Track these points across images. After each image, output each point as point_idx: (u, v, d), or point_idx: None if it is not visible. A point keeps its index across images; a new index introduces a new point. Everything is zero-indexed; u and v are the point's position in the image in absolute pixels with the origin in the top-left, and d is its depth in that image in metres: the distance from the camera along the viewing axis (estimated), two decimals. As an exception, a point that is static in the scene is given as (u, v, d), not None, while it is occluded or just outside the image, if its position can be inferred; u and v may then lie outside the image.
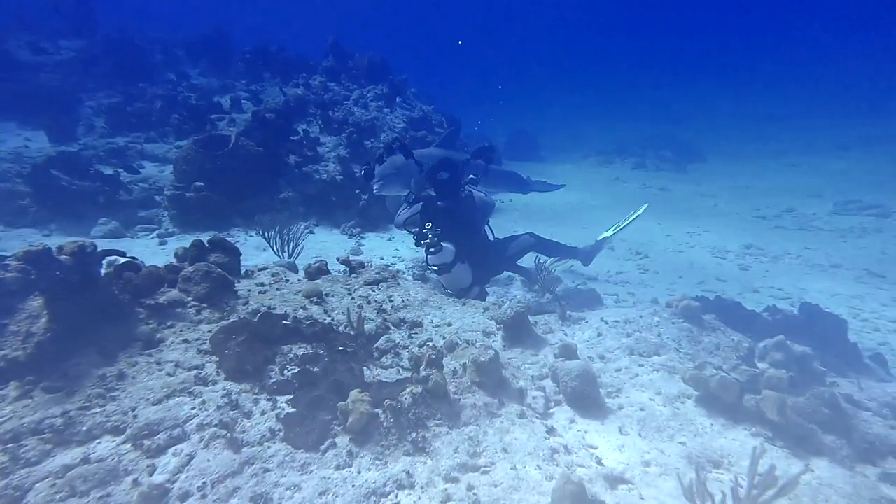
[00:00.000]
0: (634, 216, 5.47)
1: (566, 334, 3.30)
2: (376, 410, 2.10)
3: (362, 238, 7.13)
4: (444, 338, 3.06)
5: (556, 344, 3.07)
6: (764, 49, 49.24)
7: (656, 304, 4.00)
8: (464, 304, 3.55)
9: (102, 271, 2.53)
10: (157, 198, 7.18)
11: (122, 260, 2.63)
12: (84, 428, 1.78)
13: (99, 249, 2.91)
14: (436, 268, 3.80)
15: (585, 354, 2.97)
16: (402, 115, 10.92)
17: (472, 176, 4.45)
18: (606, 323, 3.34)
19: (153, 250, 5.87)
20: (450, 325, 3.27)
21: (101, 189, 6.60)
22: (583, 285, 5.12)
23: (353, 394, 2.11)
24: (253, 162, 7.58)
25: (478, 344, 2.97)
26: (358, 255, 6.48)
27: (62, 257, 2.09)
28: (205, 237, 6.34)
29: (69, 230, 6.01)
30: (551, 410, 2.45)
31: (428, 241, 3.72)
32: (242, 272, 3.86)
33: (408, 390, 2.21)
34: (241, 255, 3.75)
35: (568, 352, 2.82)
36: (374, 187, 5.00)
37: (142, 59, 12.84)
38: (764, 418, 2.33)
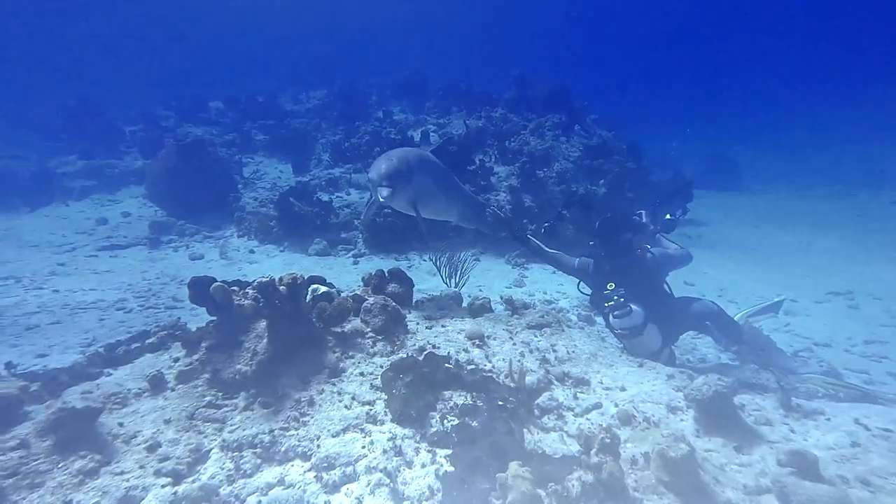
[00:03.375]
0: (763, 309, 4.13)
1: (794, 431, 2.47)
2: (538, 491, 1.89)
3: (526, 269, 7.00)
4: (616, 405, 2.65)
5: (777, 443, 2.32)
6: None
7: None
8: (640, 366, 3.04)
9: (307, 298, 2.98)
10: (356, 222, 8.45)
11: (322, 289, 3.07)
12: (282, 448, 2.08)
13: (307, 276, 3.47)
14: (623, 332, 3.41)
15: (833, 472, 2.14)
16: (580, 143, 10.51)
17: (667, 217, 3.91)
18: (866, 428, 2.39)
19: (348, 268, 6.87)
20: (623, 389, 2.82)
21: (318, 213, 8.11)
22: (807, 353, 3.88)
23: (513, 467, 1.94)
24: (432, 190, 8.27)
25: (662, 424, 2.46)
26: (521, 286, 6.37)
27: (281, 287, 2.53)
28: (386, 264, 7.24)
29: (295, 247, 7.54)
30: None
31: (613, 302, 3.38)
32: (413, 301, 4.15)
33: (576, 476, 1.93)
34: (414, 285, 4.02)
35: (803, 462, 2.07)
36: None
37: (362, 101, 15.60)
38: None
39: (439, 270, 5.89)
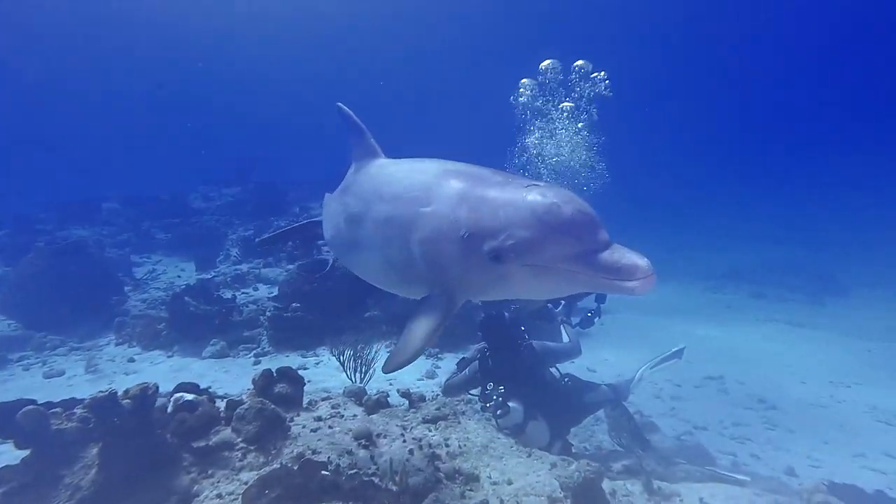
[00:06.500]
0: (667, 357, 4.63)
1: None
2: None
3: (440, 359, 6.95)
4: (501, 501, 2.59)
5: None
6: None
7: (783, 484, 3.03)
8: (529, 455, 3.04)
9: (169, 409, 2.67)
10: (261, 318, 7.98)
11: (187, 397, 2.77)
12: None
13: (179, 384, 3.14)
14: (506, 430, 3.46)
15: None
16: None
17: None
18: (711, 507, 2.55)
19: (247, 369, 6.32)
20: (510, 482, 2.77)
21: (218, 312, 7.57)
22: (687, 436, 4.20)
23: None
24: (346, 283, 8.19)
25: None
26: (433, 377, 6.26)
27: (125, 401, 2.25)
28: (292, 361, 6.82)
29: (187, 351, 6.84)
30: None
31: (493, 402, 3.46)
32: (307, 402, 3.87)
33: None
34: (305, 384, 3.78)
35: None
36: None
37: (279, 196, 15.62)
38: None
39: (344, 365, 5.64)
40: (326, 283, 8.13)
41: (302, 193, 16.64)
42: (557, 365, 4.03)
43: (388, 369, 2.08)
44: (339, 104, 3.11)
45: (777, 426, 5.09)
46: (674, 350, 4.84)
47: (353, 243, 2.64)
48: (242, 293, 9.00)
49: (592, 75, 7.62)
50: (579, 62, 7.58)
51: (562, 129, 7.72)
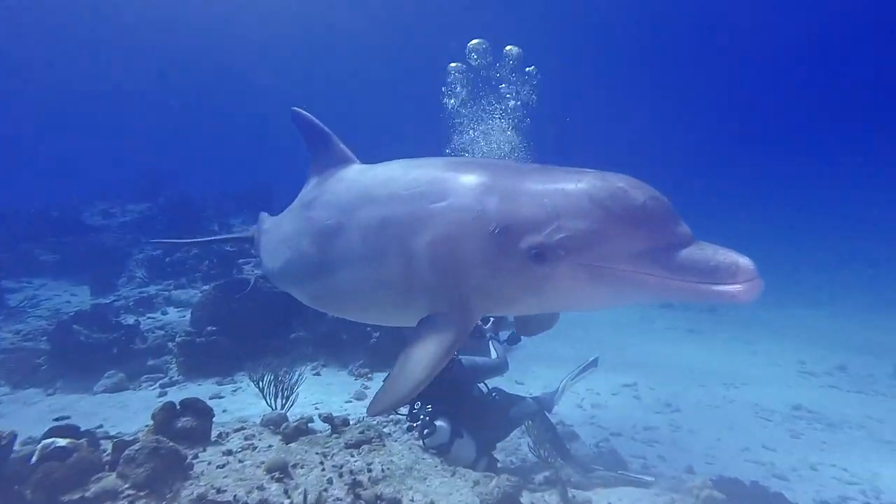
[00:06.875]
0: (584, 368, 5.02)
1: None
2: None
3: (369, 379, 6.73)
4: (425, 524, 2.51)
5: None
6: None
7: (681, 482, 3.32)
8: (453, 475, 3.00)
9: (34, 459, 2.28)
10: (170, 344, 7.23)
11: (61, 442, 2.39)
12: None
13: (51, 427, 2.71)
14: (433, 450, 3.40)
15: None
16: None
17: None
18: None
19: (150, 403, 5.64)
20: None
21: (117, 340, 6.73)
22: (604, 443, 4.47)
23: None
24: (270, 303, 7.71)
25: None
26: (362, 398, 6.04)
27: (-28, 453, 1.88)
28: (205, 390, 6.24)
29: (73, 386, 5.97)
30: None
31: (419, 422, 3.41)
32: (216, 434, 3.54)
33: None
34: (213, 415, 3.46)
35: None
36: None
37: (195, 214, 14.41)
38: None
39: (263, 391, 5.25)
40: (247, 304, 7.60)
41: (222, 209, 15.59)
42: (485, 380, 4.07)
43: (376, 410, 1.65)
44: (296, 109, 2.68)
45: (680, 428, 5.56)
46: (590, 360, 5.12)
47: (323, 265, 2.15)
48: (148, 318, 8.11)
49: (528, 69, 7.29)
50: (509, 47, 7.20)
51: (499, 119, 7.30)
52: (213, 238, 6.85)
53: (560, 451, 3.78)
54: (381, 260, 1.84)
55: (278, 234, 2.79)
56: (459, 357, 4.03)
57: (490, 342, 4.74)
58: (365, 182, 2.14)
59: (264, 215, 3.66)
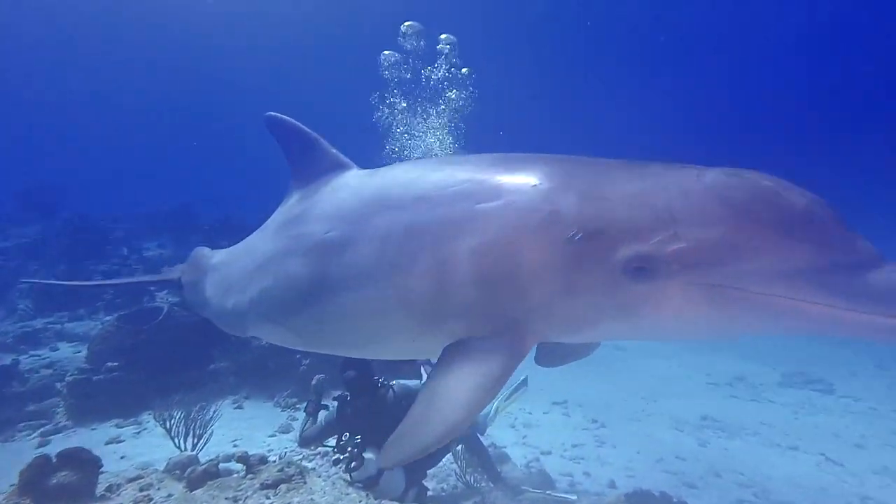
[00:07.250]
0: (516, 388, 5.08)
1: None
2: None
3: (296, 409, 6.30)
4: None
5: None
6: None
7: (601, 498, 3.47)
8: (377, 509, 2.84)
9: None
10: (58, 385, 6.30)
11: None
12: None
13: None
14: (360, 484, 3.22)
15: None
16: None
17: None
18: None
19: (25, 456, 4.79)
20: (357, 543, 2.52)
21: (-13, 384, 5.75)
22: (535, 463, 4.56)
23: None
24: (185, 333, 7.02)
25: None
26: (287, 431, 5.63)
27: None
28: (99, 435, 5.48)
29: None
30: None
31: (347, 455, 3.21)
32: (105, 487, 3.08)
33: None
34: (100, 466, 3.02)
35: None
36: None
37: (101, 237, 12.85)
38: None
39: (171, 432, 4.71)
40: (158, 336, 6.88)
41: (133, 232, 14.15)
42: None
43: (392, 460, 1.26)
44: (272, 113, 2.28)
45: (605, 443, 5.81)
46: (520, 381, 5.15)
47: (321, 288, 1.72)
48: (32, 356, 7.02)
49: (463, 71, 7.19)
50: (444, 35, 7.09)
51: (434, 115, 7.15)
52: (116, 281, 5.95)
53: (491, 475, 3.74)
54: (403, 275, 1.47)
55: (244, 264, 2.33)
56: (391, 382, 3.86)
57: (422, 366, 4.63)
58: (375, 186, 1.80)
59: (204, 250, 3.08)
